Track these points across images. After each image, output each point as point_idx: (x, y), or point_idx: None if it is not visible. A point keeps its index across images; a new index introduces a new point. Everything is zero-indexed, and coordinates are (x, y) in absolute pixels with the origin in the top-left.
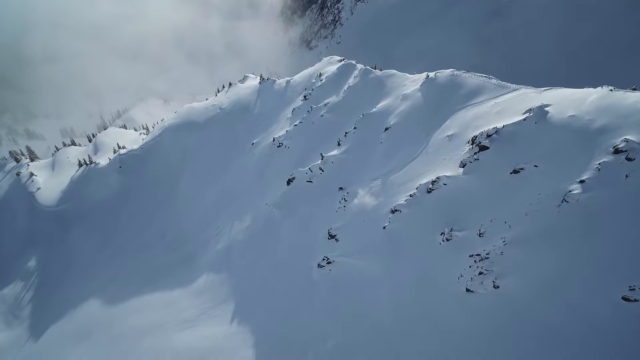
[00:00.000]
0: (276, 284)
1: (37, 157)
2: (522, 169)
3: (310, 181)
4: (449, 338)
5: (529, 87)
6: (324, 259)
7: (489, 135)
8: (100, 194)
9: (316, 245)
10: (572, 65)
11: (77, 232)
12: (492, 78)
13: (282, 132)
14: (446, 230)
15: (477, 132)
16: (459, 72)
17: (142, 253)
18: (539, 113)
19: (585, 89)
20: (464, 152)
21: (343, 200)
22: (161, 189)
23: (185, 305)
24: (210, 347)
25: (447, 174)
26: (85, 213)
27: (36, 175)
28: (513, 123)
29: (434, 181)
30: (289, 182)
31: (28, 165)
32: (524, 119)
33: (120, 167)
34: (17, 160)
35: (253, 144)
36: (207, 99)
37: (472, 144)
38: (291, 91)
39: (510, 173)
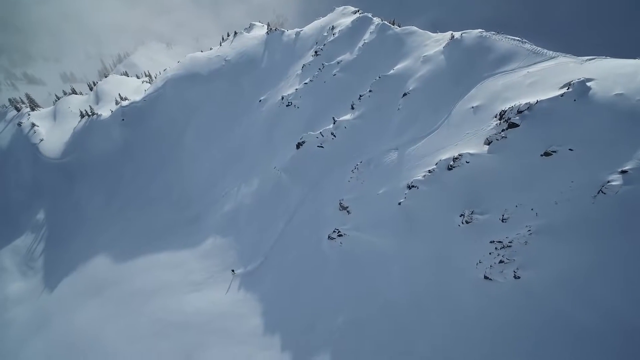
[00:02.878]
0: (285, 253)
1: (38, 106)
2: (554, 151)
3: (321, 146)
4: (462, 323)
5: (568, 55)
6: (334, 231)
7: (520, 111)
8: (103, 147)
9: (326, 216)
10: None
11: (82, 185)
12: (525, 42)
13: (292, 91)
14: (466, 212)
15: (506, 106)
16: (488, 34)
17: (147, 211)
18: (580, 89)
19: (638, 60)
20: (490, 127)
21: (356, 170)
22: (165, 144)
23: (192, 267)
24: (218, 312)
25: (470, 151)
26: (89, 166)
27: (38, 126)
28: (548, 99)
29: (456, 158)
30: (298, 145)
31: (29, 115)
32: (562, 95)
33: (123, 119)
34: (18, 109)
35: (260, 100)
36: (211, 49)
37: (499, 119)
38: (301, 44)
39: (541, 155)
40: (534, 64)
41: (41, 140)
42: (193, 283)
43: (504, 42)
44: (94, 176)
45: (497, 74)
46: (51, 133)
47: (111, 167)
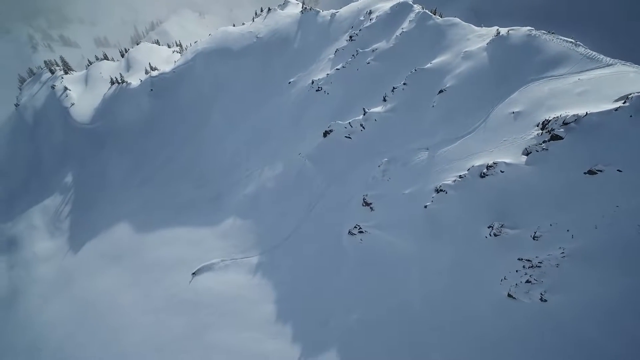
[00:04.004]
0: (303, 243)
1: (71, 69)
2: (600, 171)
3: (349, 137)
4: (479, 338)
5: (628, 63)
6: (355, 227)
7: (565, 123)
8: (131, 115)
9: (349, 210)
10: None
11: (109, 152)
12: (579, 45)
13: (323, 75)
14: (495, 225)
15: (550, 115)
16: (537, 33)
17: (170, 185)
18: (639, 104)
19: None
20: (531, 137)
21: (383, 166)
22: (192, 118)
23: (210, 246)
24: (232, 294)
25: (506, 160)
26: (116, 134)
27: (70, 90)
28: (600, 112)
29: (490, 166)
30: (325, 134)
31: (62, 78)
32: (616, 109)
33: (152, 90)
34: (52, 72)
35: (290, 82)
36: (243, 24)
37: (542, 129)
38: (336, 27)
39: (585, 173)
40: (587, 70)
41: (72, 105)
42: (208, 262)
43: (554, 43)
44: (120, 144)
45: (543, 78)
46: (82, 98)
47: (137, 137)
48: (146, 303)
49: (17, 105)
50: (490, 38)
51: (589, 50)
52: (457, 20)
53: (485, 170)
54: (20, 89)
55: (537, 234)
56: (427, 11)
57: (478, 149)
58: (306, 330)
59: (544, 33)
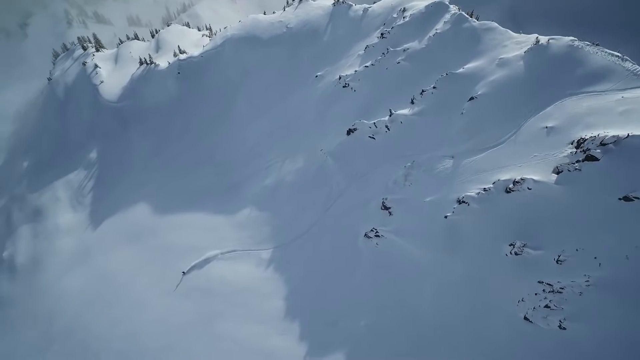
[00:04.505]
0: (318, 241)
1: (103, 47)
2: (637, 198)
3: (373, 137)
4: (488, 356)
5: None
6: (372, 230)
7: (603, 144)
8: (157, 97)
9: (367, 212)
10: None
11: (134, 132)
12: (626, 60)
13: (350, 72)
14: (517, 243)
15: (587, 134)
16: (581, 44)
17: (190, 169)
18: None
19: None
20: (563, 154)
21: (405, 171)
22: (216, 105)
23: (225, 235)
24: (243, 286)
25: (534, 177)
26: (142, 114)
27: (100, 68)
28: None
29: (517, 181)
30: (349, 132)
31: (93, 55)
32: None
33: (179, 73)
34: (84, 48)
35: (317, 76)
36: (274, 12)
37: (576, 148)
38: (367, 23)
39: (619, 199)
40: (633, 88)
41: (101, 82)
42: (222, 252)
43: (598, 56)
44: (145, 125)
45: (583, 93)
46: (111, 76)
47: (162, 119)
48: (160, 285)
49: (49, 79)
50: (529, 46)
51: (637, 66)
52: (495, 24)
53: (511, 186)
54: (54, 64)
55: (561, 257)
56: (463, 13)
57: (506, 163)
58: (314, 330)
59: (588, 44)
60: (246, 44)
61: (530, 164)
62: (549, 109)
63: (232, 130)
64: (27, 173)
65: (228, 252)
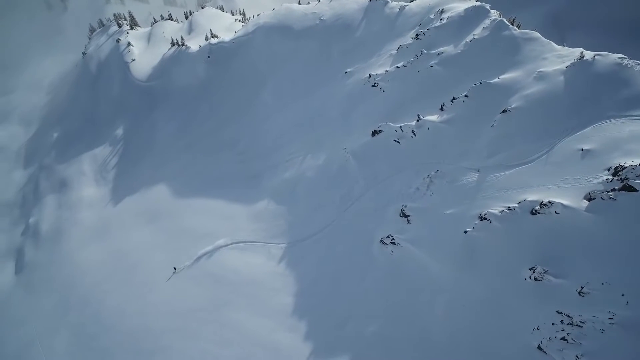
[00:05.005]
0: (333, 241)
1: (137, 25)
2: None
3: (398, 141)
4: None
5: None
6: (388, 237)
7: None
8: (185, 79)
9: (385, 217)
10: None
11: (160, 112)
12: None
13: (381, 71)
14: (538, 269)
15: (626, 162)
16: (630, 62)
17: (212, 155)
18: None
19: None
20: (598, 181)
21: (428, 179)
22: (243, 92)
23: (241, 225)
24: (255, 278)
25: (564, 202)
26: (169, 95)
27: (132, 46)
28: None
29: (544, 204)
30: (374, 133)
31: (127, 33)
32: None
33: (209, 57)
34: (119, 25)
35: (346, 72)
36: (308, 3)
37: (613, 175)
38: (403, 21)
39: None
40: None
41: (133, 60)
42: (238, 241)
43: None
44: (171, 106)
45: (626, 116)
46: (143, 55)
47: (188, 102)
48: (172, 267)
49: (84, 53)
50: (572, 61)
51: None
52: (537, 35)
53: (537, 207)
54: (90, 39)
55: (585, 290)
56: (504, 20)
57: (534, 182)
58: (321, 330)
59: (639, 64)
60: (278, 33)
61: (560, 187)
62: (586, 130)
63: (257, 119)
64: (57, 144)
65: (241, 242)
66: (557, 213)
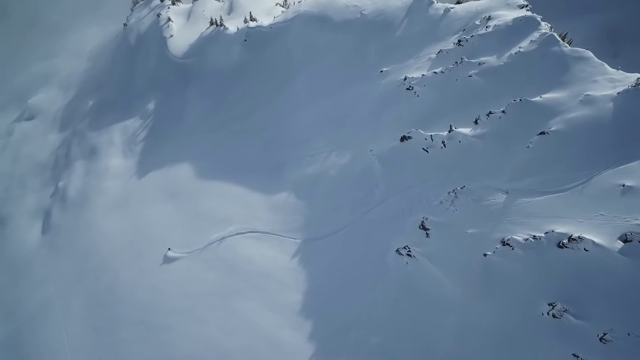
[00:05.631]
0: (348, 244)
1: (179, 0)
2: None
3: (426, 150)
4: None
5: None
6: (405, 248)
7: None
8: (220, 60)
9: (403, 226)
10: None
11: (192, 90)
12: None
13: (417, 74)
14: (558, 305)
15: None
16: None
17: (239, 139)
18: None
19: None
20: (638, 222)
21: (453, 194)
22: (275, 80)
23: (258, 214)
24: (267, 271)
25: (595, 239)
26: (203, 74)
27: (172, 22)
28: None
29: (574, 238)
30: (403, 139)
31: (169, 8)
32: None
33: (246, 40)
34: (162, 0)
35: (382, 71)
36: None
37: None
38: (446, 25)
39: None
40: None
41: (171, 36)
42: (254, 230)
43: None
44: (204, 86)
45: None
46: (181, 31)
47: (221, 83)
48: (189, 247)
49: (125, 25)
50: (625, 87)
51: None
52: (589, 54)
53: (565, 241)
54: (132, 10)
55: (607, 337)
56: (555, 34)
57: (565, 214)
58: (324, 333)
59: None
60: (317, 23)
61: (594, 222)
62: (632, 164)
63: (286, 109)
64: (91, 111)
65: (257, 232)
66: (587, 250)
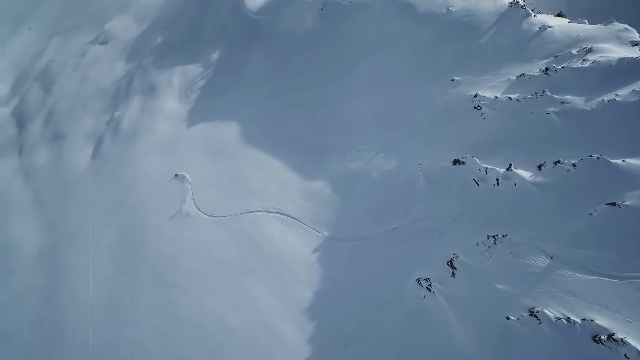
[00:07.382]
0: (370, 255)
1: None
2: None
3: (477, 183)
4: None
5: None
6: (426, 280)
7: None
8: (292, 24)
9: (430, 257)
10: None
11: (257, 48)
12: None
13: (490, 95)
14: None
15: None
16: None
17: (291, 110)
18: None
19: None
20: None
21: (492, 239)
22: (343, 58)
23: (290, 196)
24: (285, 258)
25: None
26: (271, 35)
27: None
28: None
29: (615, 338)
30: (456, 162)
31: None
32: None
33: (321, 9)
34: None
35: (453, 80)
36: None
37: None
38: (538, 45)
39: None
40: None
41: None
42: (282, 213)
43: None
44: (270, 47)
45: None
46: None
47: (287, 48)
48: (217, 211)
49: None
50: None
51: None
52: None
53: (604, 337)
54: None
55: None
56: None
57: (612, 305)
58: (325, 339)
59: None
60: (397, 9)
61: None
62: None
63: (345, 92)
64: (157, 48)
65: (285, 215)
66: (627, 358)
